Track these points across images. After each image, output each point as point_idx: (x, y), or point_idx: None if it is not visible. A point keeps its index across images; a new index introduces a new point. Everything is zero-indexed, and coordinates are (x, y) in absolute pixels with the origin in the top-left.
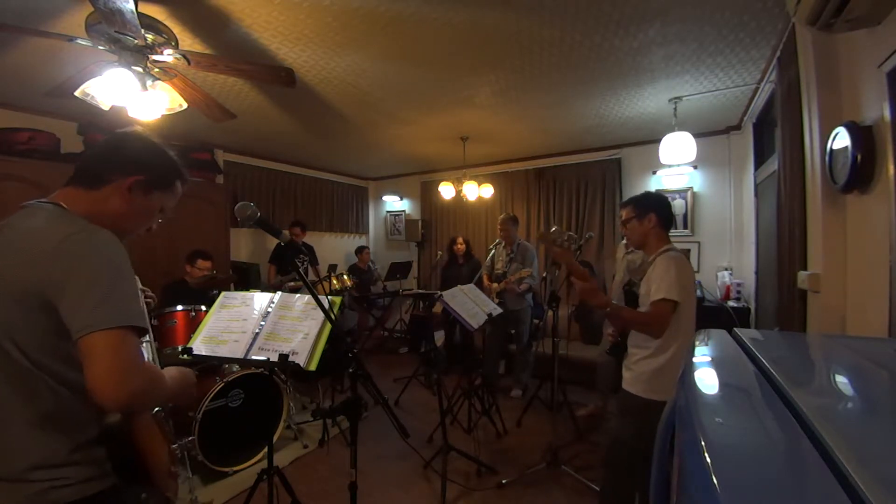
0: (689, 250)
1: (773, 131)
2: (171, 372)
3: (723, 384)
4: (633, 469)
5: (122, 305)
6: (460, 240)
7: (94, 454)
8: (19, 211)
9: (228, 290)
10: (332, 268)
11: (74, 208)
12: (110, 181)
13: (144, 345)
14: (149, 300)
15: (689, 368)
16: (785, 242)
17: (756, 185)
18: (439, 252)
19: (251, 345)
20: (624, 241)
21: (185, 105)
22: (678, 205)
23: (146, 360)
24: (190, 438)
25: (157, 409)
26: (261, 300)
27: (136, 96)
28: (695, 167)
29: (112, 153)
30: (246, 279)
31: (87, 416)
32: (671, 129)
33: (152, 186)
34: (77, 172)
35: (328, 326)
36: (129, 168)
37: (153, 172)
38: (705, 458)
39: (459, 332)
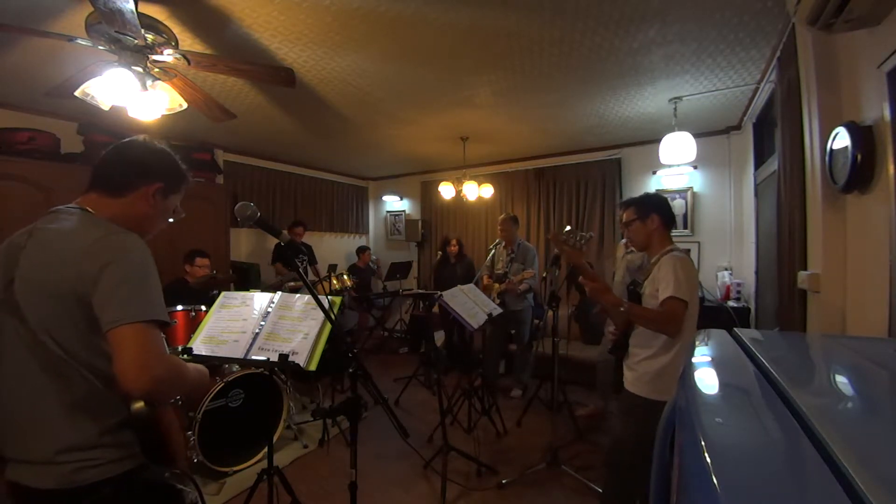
0: (689, 250)
1: (773, 131)
2: (193, 365)
3: (723, 384)
4: (634, 470)
5: (149, 301)
6: (454, 241)
7: (122, 437)
8: (47, 215)
9: (228, 290)
10: (332, 268)
11: (101, 213)
12: (136, 189)
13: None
14: None
15: (689, 368)
16: (785, 242)
17: (756, 185)
18: (439, 252)
19: (251, 345)
20: (623, 241)
21: (185, 105)
22: (678, 205)
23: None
24: (190, 438)
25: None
26: (261, 300)
27: (136, 96)
28: (695, 167)
29: (134, 163)
30: (246, 279)
31: (116, 403)
32: (671, 129)
33: (170, 191)
34: (99, 179)
35: (328, 326)
36: (151, 176)
37: (171, 179)
38: (705, 458)
39: (457, 332)
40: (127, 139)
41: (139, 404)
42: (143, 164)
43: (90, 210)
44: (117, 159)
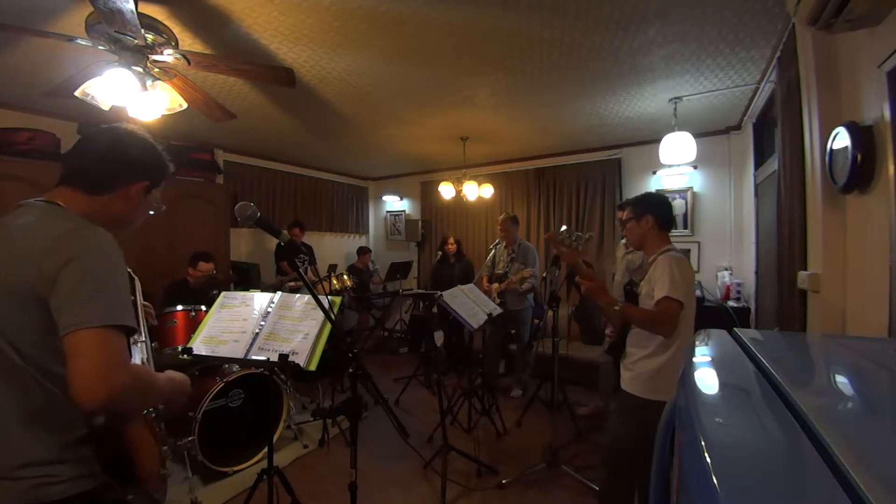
0: (689, 250)
1: (773, 131)
2: (166, 375)
3: (723, 384)
4: (631, 469)
5: (112, 303)
6: (451, 240)
7: (84, 453)
8: (15, 209)
9: (228, 290)
10: (332, 268)
11: (73, 208)
12: (115, 188)
13: (139, 346)
14: (148, 317)
15: (689, 368)
16: (785, 242)
17: (756, 185)
18: (439, 252)
19: (251, 345)
20: (623, 241)
21: (185, 105)
22: (678, 205)
23: (136, 361)
24: (190, 438)
25: (148, 410)
26: (261, 300)
27: (136, 96)
28: (695, 167)
29: (115, 160)
30: (246, 279)
31: (78, 415)
32: (671, 129)
33: (152, 187)
34: (74, 174)
35: (328, 326)
36: (133, 175)
37: (154, 175)
38: (705, 458)
39: (454, 333)
40: (104, 126)
41: (101, 417)
42: (125, 161)
43: (60, 204)
44: (94, 154)
